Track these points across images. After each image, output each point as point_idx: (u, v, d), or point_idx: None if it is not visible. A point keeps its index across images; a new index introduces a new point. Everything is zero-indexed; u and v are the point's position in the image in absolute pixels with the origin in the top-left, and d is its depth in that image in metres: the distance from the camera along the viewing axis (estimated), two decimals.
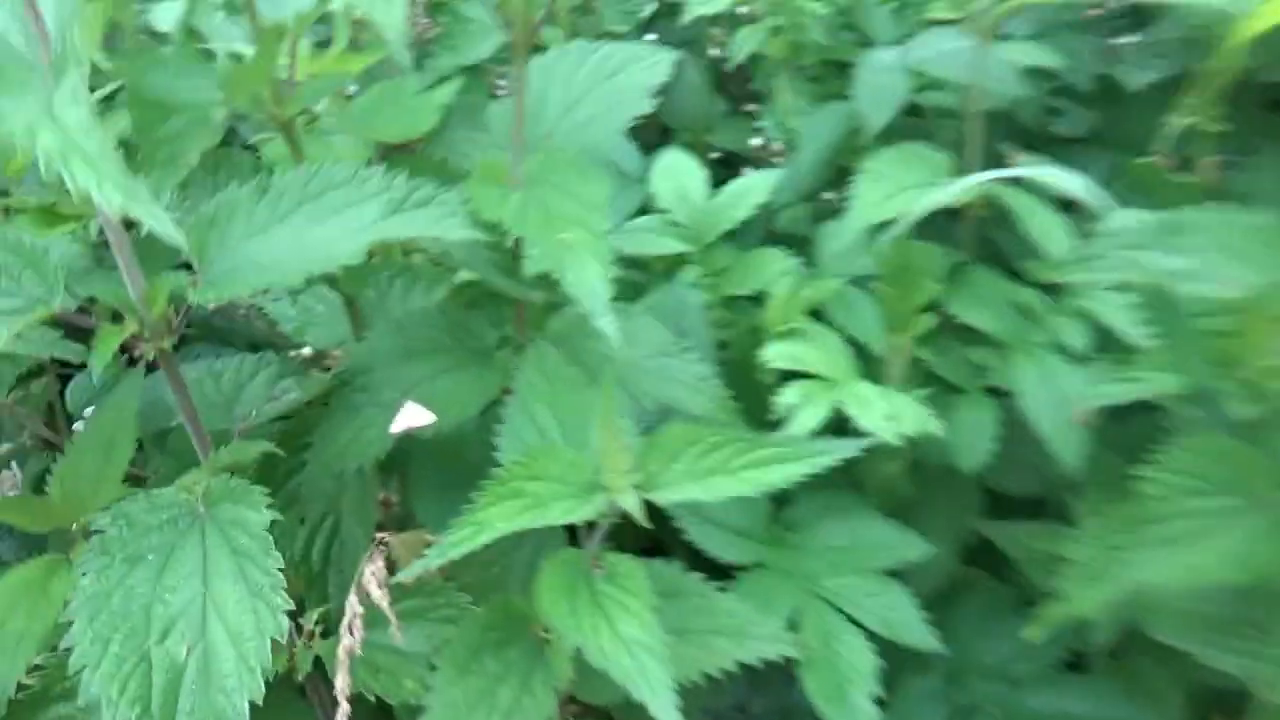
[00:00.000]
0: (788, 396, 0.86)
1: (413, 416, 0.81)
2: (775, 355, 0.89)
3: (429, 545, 1.06)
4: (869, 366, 0.95)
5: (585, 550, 0.74)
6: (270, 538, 0.63)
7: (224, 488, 0.67)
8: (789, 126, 1.26)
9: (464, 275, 1.09)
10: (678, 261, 1.11)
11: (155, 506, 0.67)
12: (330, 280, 1.01)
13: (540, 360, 0.83)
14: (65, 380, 1.20)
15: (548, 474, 0.69)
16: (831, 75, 1.35)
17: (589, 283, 0.67)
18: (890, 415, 0.85)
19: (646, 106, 0.84)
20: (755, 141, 1.45)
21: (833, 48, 1.27)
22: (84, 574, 0.62)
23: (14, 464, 1.25)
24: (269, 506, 0.66)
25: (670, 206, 1.09)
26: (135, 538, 0.65)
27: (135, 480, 1.00)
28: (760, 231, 1.20)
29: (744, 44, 1.24)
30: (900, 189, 0.90)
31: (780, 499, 1.00)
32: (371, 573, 0.70)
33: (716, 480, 0.68)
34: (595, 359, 0.89)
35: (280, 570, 0.62)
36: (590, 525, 0.70)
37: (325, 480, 0.85)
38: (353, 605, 0.68)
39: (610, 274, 0.67)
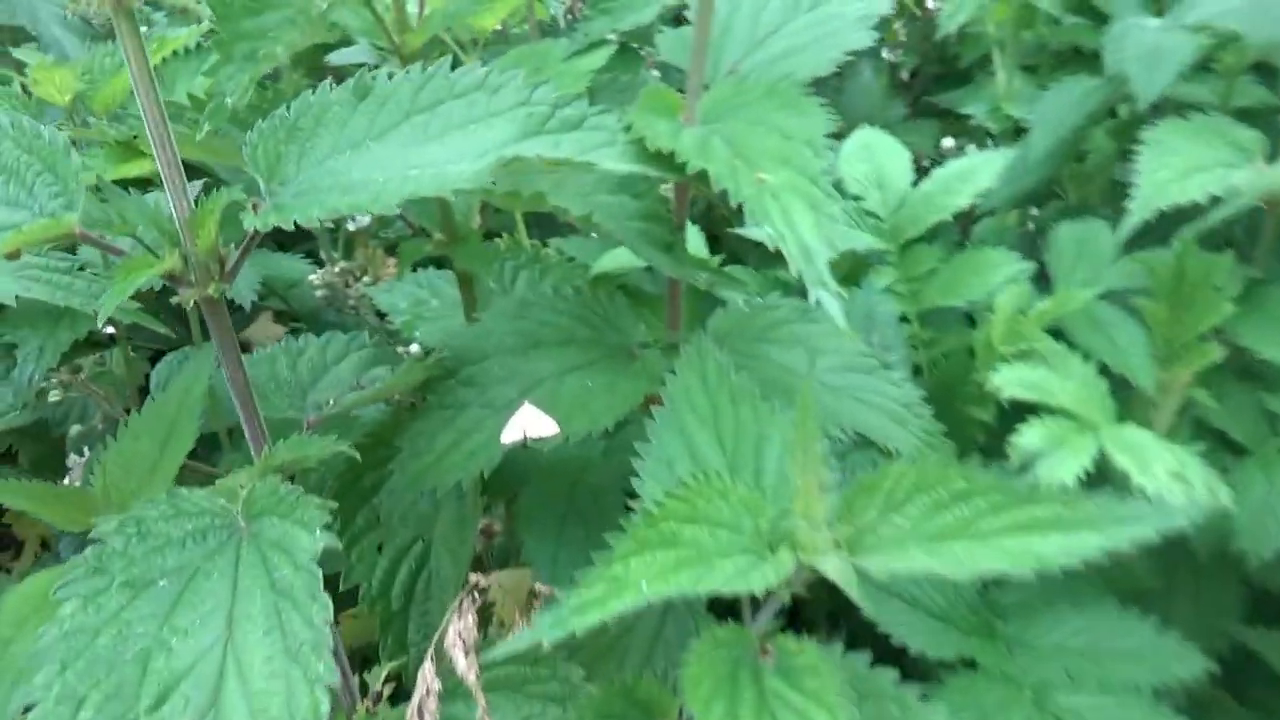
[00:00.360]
0: (1030, 437, 0.63)
1: (530, 424, 0.62)
2: (1008, 382, 0.67)
3: (536, 594, 0.87)
4: (1124, 408, 0.72)
5: (750, 629, 0.53)
6: (317, 573, 0.44)
7: (272, 496, 0.49)
8: (1006, 113, 1.04)
9: (603, 266, 0.90)
10: (859, 264, 0.89)
11: (180, 513, 0.49)
12: (441, 256, 0.84)
13: (700, 364, 0.63)
14: (158, 359, 1.06)
15: (714, 518, 0.48)
16: (1052, 64, 1.12)
17: (800, 236, 0.46)
18: (1176, 473, 0.61)
19: (865, 39, 0.63)
20: (947, 143, 1.23)
21: (1064, 27, 1.04)
22: (65, 599, 0.45)
23: (88, 449, 1.12)
24: (328, 527, 0.47)
25: (863, 193, 0.87)
26: (146, 554, 0.47)
27: (205, 480, 0.84)
28: (952, 239, 0.98)
29: (957, 11, 1.02)
30: (1196, 167, 0.66)
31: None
32: (458, 633, 0.51)
33: (958, 546, 0.47)
34: (771, 368, 0.68)
35: (328, 623, 0.43)
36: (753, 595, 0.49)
37: (413, 497, 0.66)
38: (427, 678, 0.49)
39: (831, 225, 0.46)
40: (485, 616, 0.91)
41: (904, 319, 0.85)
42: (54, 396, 1.02)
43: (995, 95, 1.06)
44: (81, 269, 0.77)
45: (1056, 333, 0.76)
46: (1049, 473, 0.61)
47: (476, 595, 0.74)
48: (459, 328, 0.68)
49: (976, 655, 0.68)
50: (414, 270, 1.59)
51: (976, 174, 0.82)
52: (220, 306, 0.49)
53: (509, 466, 0.82)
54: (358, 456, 0.56)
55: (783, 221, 0.46)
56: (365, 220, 1.77)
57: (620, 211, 0.72)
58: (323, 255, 1.50)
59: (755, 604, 0.57)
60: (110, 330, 0.96)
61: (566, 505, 0.77)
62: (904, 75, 1.57)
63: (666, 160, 0.50)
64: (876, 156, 0.88)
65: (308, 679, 0.42)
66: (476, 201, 0.88)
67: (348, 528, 0.79)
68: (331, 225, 1.75)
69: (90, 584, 0.45)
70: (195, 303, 0.49)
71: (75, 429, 1.04)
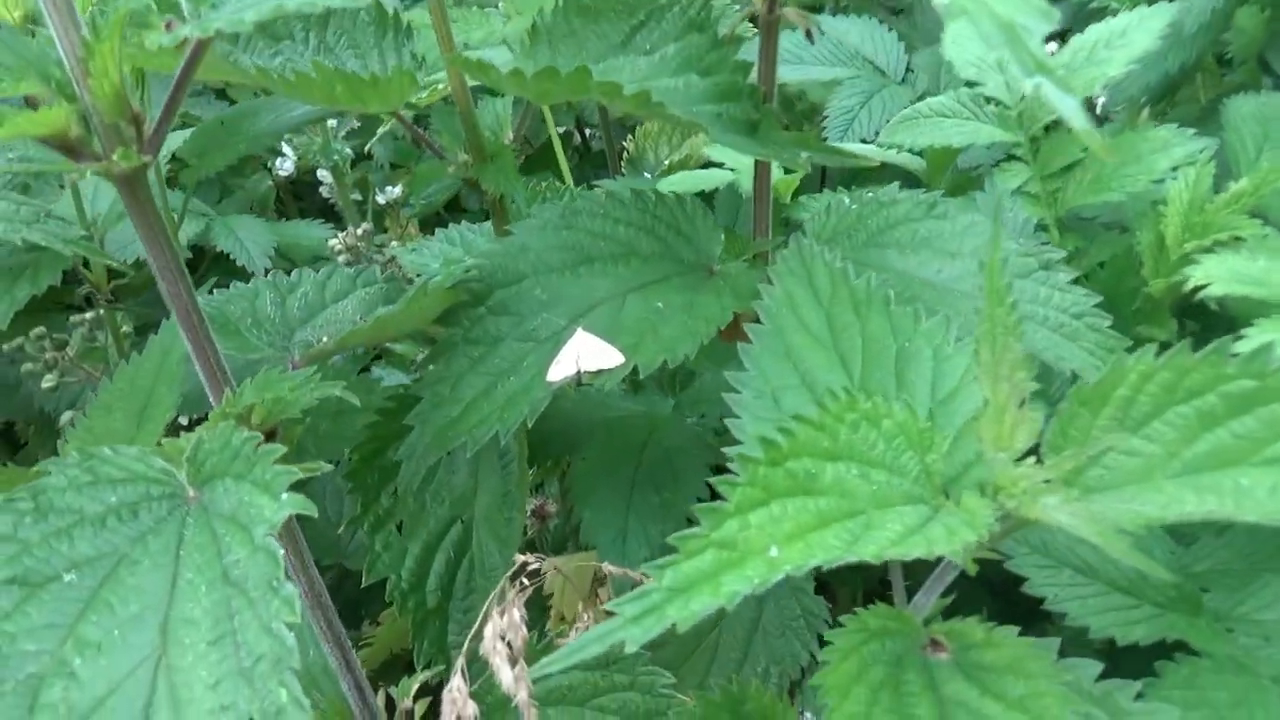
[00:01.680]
0: (1262, 332, 0.46)
1: (587, 355, 0.47)
2: (1216, 276, 0.50)
3: (602, 580, 0.71)
4: None
5: (911, 613, 0.37)
6: (277, 553, 0.29)
7: (224, 451, 0.35)
8: None
9: (671, 187, 0.75)
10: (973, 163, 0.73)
11: (100, 480, 0.35)
12: (470, 178, 0.69)
13: (806, 270, 0.47)
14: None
15: (865, 453, 0.32)
16: None
17: (992, 6, 0.31)
18: None
19: None
20: None
21: None
22: None
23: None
24: (300, 486, 0.32)
25: (980, 77, 0.71)
26: (45, 539, 0.33)
27: None
28: None
29: None
30: None
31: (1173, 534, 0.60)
32: (500, 634, 0.36)
33: (1241, 476, 0.30)
34: (892, 278, 0.52)
35: (290, 623, 0.28)
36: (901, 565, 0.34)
37: (441, 462, 0.51)
38: (456, 700, 0.34)
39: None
40: (540, 610, 0.77)
41: (1040, 226, 0.68)
42: (48, 382, 0.90)
43: None
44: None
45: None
46: None
47: (525, 582, 0.59)
48: (487, 245, 0.53)
49: (1186, 637, 0.52)
50: (438, 218, 1.45)
51: (1130, 37, 0.65)
52: (140, 187, 0.35)
53: (559, 427, 0.68)
54: (354, 400, 0.41)
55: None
56: (396, 191, 1.63)
57: (687, 95, 0.56)
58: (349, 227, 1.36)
59: (906, 574, 0.42)
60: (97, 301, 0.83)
61: (633, 470, 0.62)
62: None
63: None
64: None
65: (265, 711, 0.28)
66: (508, 111, 0.73)
67: (369, 510, 0.64)
68: (359, 197, 1.62)
69: None
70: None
71: (67, 415, 0.91)
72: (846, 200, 0.56)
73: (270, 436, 0.41)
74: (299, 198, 1.69)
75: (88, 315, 0.88)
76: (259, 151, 1.08)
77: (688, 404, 0.70)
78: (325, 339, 0.46)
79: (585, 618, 0.49)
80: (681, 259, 0.54)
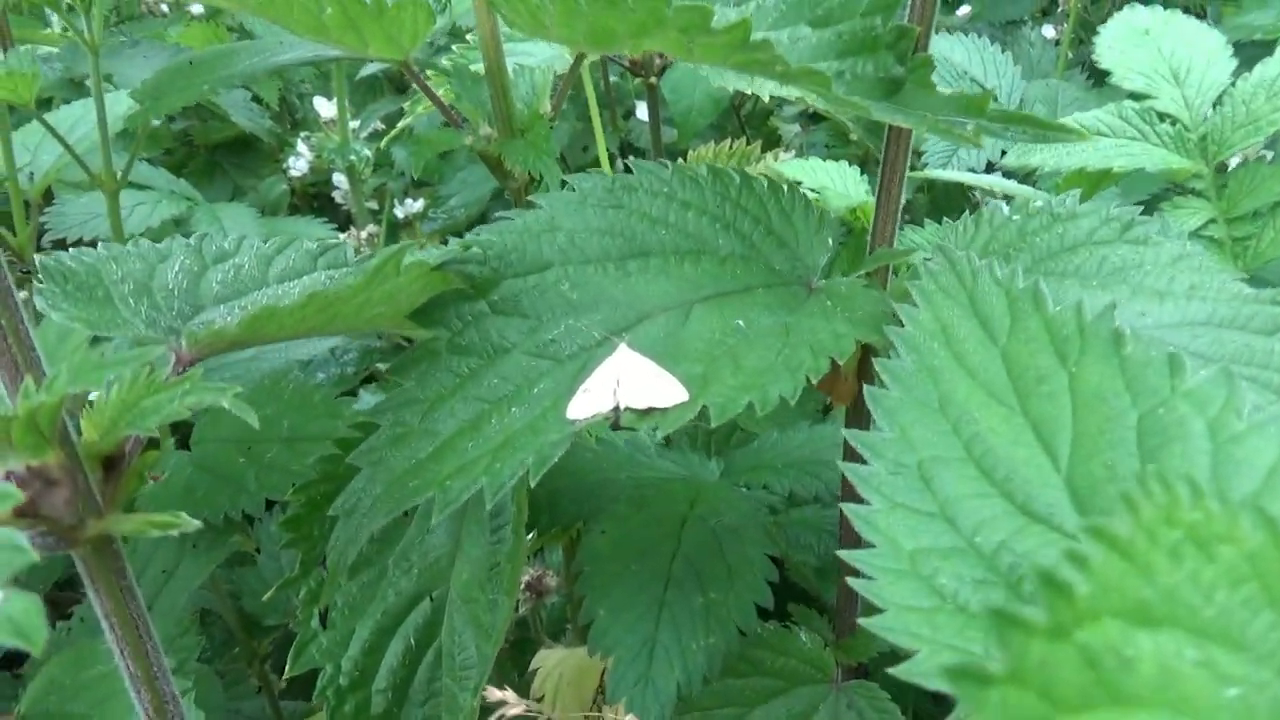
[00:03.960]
0: None
1: (632, 385, 0.31)
2: None
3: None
4: None
5: None
6: None
7: None
8: None
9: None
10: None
11: None
12: (492, 154, 0.54)
13: (965, 290, 0.31)
14: None
15: (1198, 610, 0.16)
16: None
17: None
18: None
19: None
20: None
21: None
22: None
23: None
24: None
25: (1151, 89, 0.55)
26: None
27: None
28: None
29: None
30: None
31: None
32: None
33: None
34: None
35: None
36: None
37: (397, 514, 0.35)
38: None
39: None
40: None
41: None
42: None
43: None
44: None
45: None
46: None
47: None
48: (500, 222, 0.38)
49: None
50: (461, 237, 1.30)
51: None
52: None
53: (570, 484, 0.52)
54: (251, 417, 0.24)
55: None
56: (417, 205, 1.49)
57: (793, 52, 0.41)
58: (352, 229, 1.22)
59: None
60: None
61: (669, 557, 0.45)
62: None
63: None
64: (1173, 39, 0.56)
65: None
66: (548, 79, 0.58)
67: (308, 574, 0.48)
68: (375, 205, 1.48)
69: None
70: None
71: None
72: (1005, 209, 0.40)
73: (114, 464, 0.25)
74: (319, 211, 1.56)
75: None
76: (227, 90, 0.93)
77: (742, 470, 0.54)
78: (228, 318, 0.30)
79: None
80: (772, 265, 0.38)
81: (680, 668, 0.41)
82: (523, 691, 0.64)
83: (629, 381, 0.31)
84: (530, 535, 0.60)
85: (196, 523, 0.24)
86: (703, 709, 0.45)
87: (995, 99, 0.35)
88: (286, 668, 0.47)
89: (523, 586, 0.72)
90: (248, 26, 1.26)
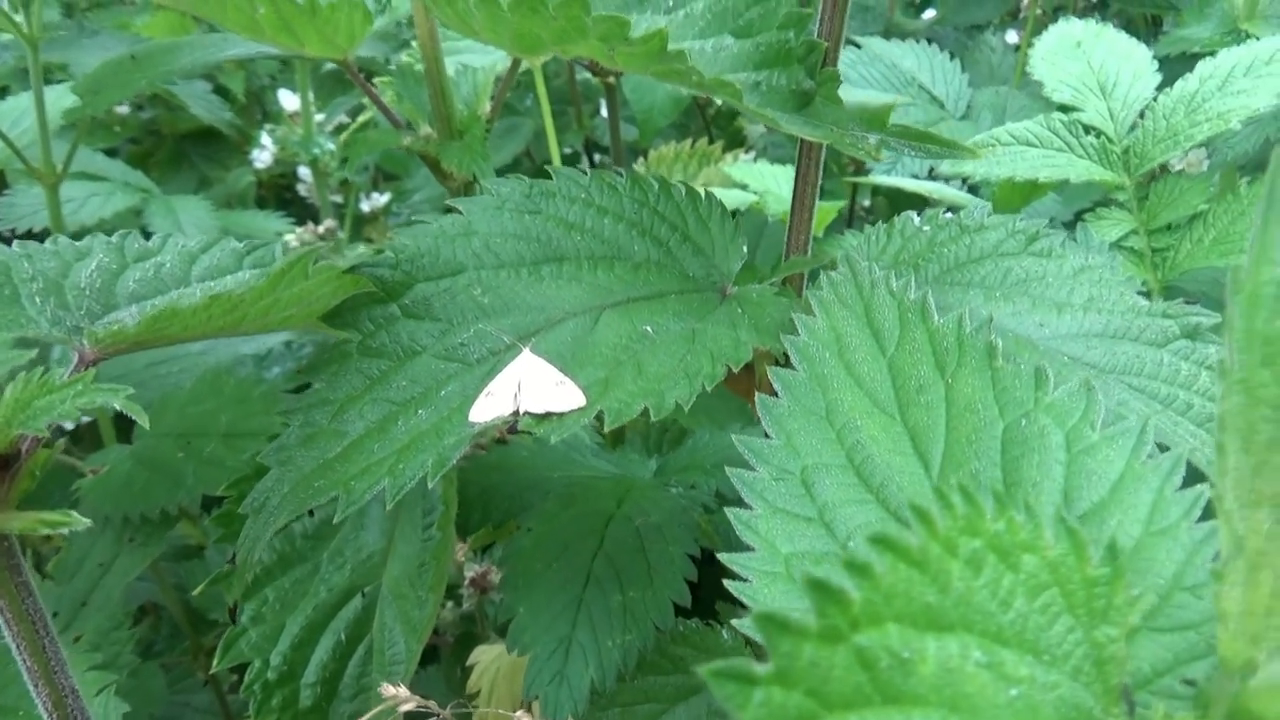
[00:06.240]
0: None
1: (534, 390, 0.31)
2: None
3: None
4: None
5: None
6: None
7: None
8: (1246, 36, 0.73)
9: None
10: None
11: None
12: (429, 154, 0.55)
13: (863, 300, 0.32)
14: None
15: (994, 616, 0.17)
16: None
17: None
18: None
19: None
20: None
21: None
22: None
23: None
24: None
25: (1078, 101, 0.57)
26: None
27: None
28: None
29: None
30: None
31: None
32: None
33: None
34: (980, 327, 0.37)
35: None
36: None
37: (302, 513, 0.36)
38: None
39: None
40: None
41: (1142, 292, 0.53)
42: None
43: (1229, 12, 0.75)
44: None
45: None
46: None
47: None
48: (417, 225, 0.38)
49: None
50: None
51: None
52: None
53: (504, 480, 0.52)
54: (141, 416, 0.25)
55: None
56: (382, 199, 1.49)
57: (716, 61, 0.42)
58: (309, 223, 1.22)
59: None
60: None
61: (591, 555, 0.46)
62: None
63: None
64: (1099, 52, 0.57)
65: None
66: (489, 80, 0.58)
67: (242, 570, 0.49)
68: (339, 199, 1.48)
69: None
70: None
71: None
72: (916, 220, 0.41)
73: (7, 463, 0.25)
74: (287, 203, 1.55)
75: None
76: (174, 82, 0.93)
77: (674, 469, 0.55)
78: (127, 319, 0.31)
79: None
80: (686, 272, 0.39)
81: (595, 665, 0.42)
82: (459, 679, 0.65)
83: (529, 386, 0.32)
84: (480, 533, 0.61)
85: (87, 521, 0.25)
86: (624, 705, 0.46)
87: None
88: (214, 661, 0.47)
89: (467, 583, 0.72)
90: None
